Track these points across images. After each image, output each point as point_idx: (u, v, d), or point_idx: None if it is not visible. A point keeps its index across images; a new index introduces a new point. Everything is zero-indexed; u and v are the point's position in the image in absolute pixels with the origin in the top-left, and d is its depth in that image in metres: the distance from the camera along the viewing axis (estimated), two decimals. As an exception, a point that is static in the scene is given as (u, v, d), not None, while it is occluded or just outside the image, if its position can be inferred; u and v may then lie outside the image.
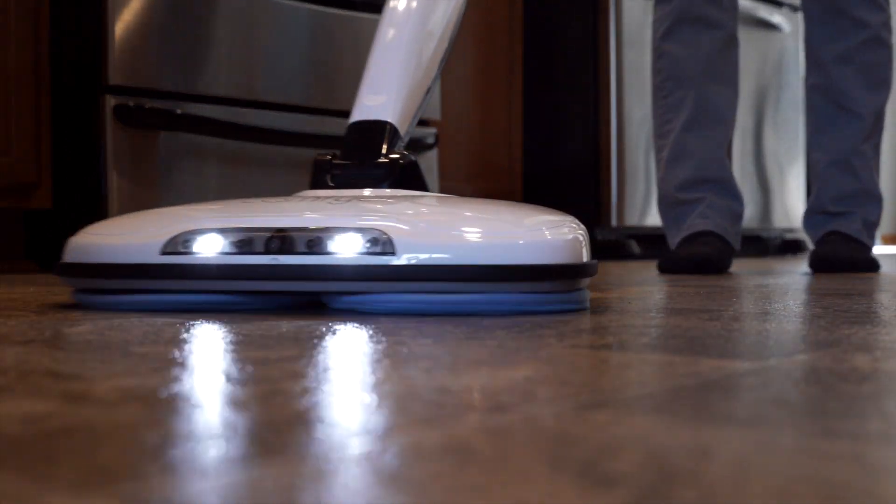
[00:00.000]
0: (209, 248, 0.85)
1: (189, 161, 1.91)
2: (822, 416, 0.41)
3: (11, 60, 1.81)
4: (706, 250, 1.76)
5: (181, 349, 0.62)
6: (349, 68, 2.19)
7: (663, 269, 1.77)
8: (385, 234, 0.83)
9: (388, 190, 0.97)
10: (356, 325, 0.76)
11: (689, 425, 0.38)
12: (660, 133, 1.89)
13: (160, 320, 0.78)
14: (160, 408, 0.43)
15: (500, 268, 0.82)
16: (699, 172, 1.83)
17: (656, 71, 1.89)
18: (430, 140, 2.36)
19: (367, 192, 0.96)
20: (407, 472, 0.31)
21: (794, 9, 3.30)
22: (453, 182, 2.58)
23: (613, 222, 2.77)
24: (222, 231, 0.85)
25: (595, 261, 0.91)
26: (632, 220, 2.80)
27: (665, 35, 1.85)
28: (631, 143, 2.79)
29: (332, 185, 0.99)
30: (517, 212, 0.91)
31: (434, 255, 0.82)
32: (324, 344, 0.65)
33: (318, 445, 0.35)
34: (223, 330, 0.73)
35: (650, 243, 2.84)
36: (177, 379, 0.50)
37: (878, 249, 3.19)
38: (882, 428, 0.38)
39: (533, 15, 2.85)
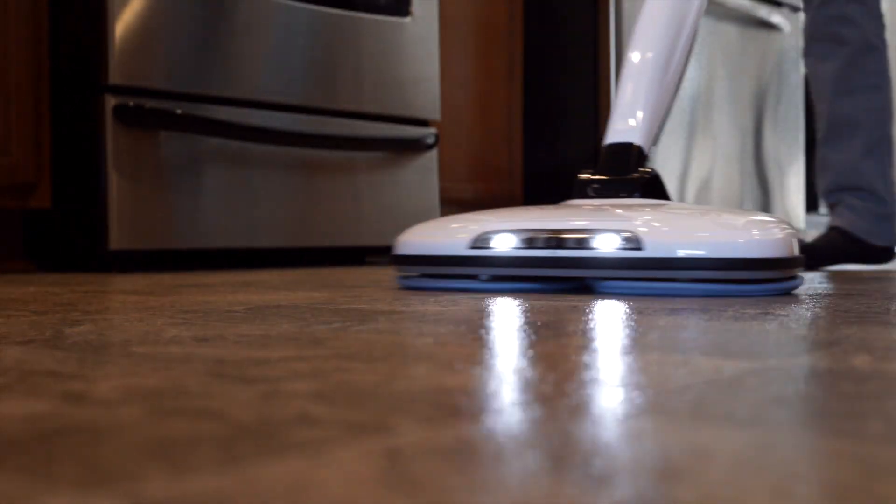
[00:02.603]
0: (504, 244, 1.16)
1: (189, 161, 1.91)
2: (822, 416, 0.41)
3: (11, 60, 1.81)
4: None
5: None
6: (349, 68, 2.19)
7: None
8: (634, 233, 1.09)
9: (635, 199, 1.23)
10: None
11: (689, 425, 0.38)
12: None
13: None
14: (165, 405, 0.43)
15: (723, 260, 1.07)
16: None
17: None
18: (430, 140, 2.36)
19: (619, 201, 1.22)
20: (395, 475, 0.31)
21: (793, 9, 3.30)
22: (453, 182, 2.58)
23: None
24: (514, 231, 1.16)
25: (802, 255, 1.14)
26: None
27: (803, 52, 1.94)
28: (631, 143, 2.78)
29: (591, 195, 1.26)
30: (737, 215, 1.17)
31: (678, 251, 1.08)
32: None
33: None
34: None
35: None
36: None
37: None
38: (882, 428, 0.38)
39: (533, 15, 2.85)
